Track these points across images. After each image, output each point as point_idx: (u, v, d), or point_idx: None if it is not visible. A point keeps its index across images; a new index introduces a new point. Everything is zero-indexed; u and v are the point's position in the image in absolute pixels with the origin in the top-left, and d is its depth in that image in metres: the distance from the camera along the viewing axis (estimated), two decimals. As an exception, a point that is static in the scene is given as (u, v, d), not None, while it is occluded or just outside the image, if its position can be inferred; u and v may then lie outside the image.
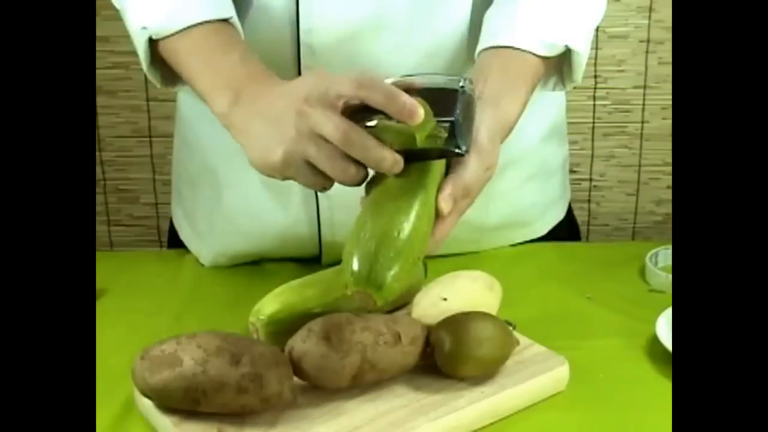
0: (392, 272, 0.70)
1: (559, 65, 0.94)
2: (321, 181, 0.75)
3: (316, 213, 1.01)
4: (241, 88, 0.81)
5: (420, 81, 0.74)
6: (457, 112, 0.72)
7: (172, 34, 0.86)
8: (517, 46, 0.87)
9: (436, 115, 0.72)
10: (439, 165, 0.76)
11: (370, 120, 0.72)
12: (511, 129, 0.85)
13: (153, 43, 0.88)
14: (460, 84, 0.74)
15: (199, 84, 0.85)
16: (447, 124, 0.72)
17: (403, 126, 0.71)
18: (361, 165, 0.73)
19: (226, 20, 0.87)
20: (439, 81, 0.75)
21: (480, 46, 0.89)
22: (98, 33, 1.13)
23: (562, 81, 0.95)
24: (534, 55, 0.87)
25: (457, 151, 0.73)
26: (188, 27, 0.85)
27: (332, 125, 0.71)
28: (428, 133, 0.72)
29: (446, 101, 0.73)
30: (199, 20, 0.86)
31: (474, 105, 0.75)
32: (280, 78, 0.83)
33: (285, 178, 0.77)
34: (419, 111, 0.69)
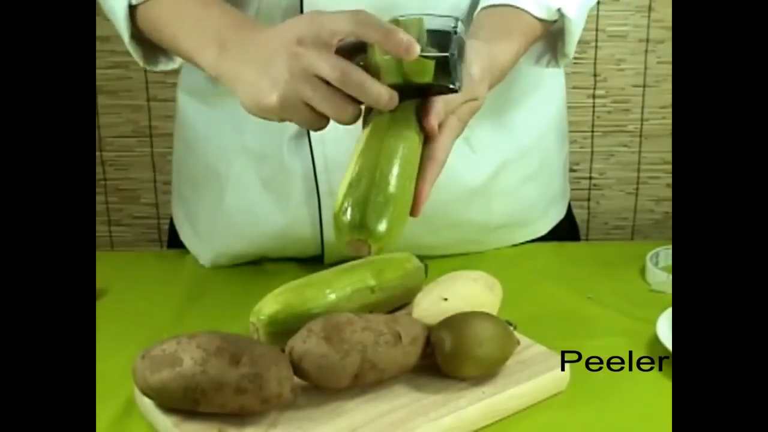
0: (386, 216, 0.71)
1: (553, 42, 0.95)
2: (318, 120, 0.75)
3: (318, 212, 1.01)
4: (226, 37, 0.81)
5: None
6: (452, 49, 0.73)
7: None
8: (514, 4, 0.89)
9: (431, 52, 0.73)
10: None
11: (361, 60, 0.73)
12: (502, 74, 0.86)
13: (132, 16, 0.88)
14: (453, 25, 0.74)
15: (184, 43, 0.85)
16: (442, 61, 0.73)
17: (399, 62, 0.72)
18: (356, 102, 0.73)
19: None
20: (432, 22, 0.75)
21: (479, 7, 0.91)
22: (98, 33, 1.13)
23: (556, 58, 0.97)
24: (530, 14, 0.89)
25: (451, 87, 0.74)
26: None
27: (329, 65, 0.72)
28: (423, 69, 0.73)
29: (440, 40, 0.74)
30: None
31: (465, 46, 0.76)
32: None
33: (281, 120, 0.77)
34: (415, 46, 0.70)
